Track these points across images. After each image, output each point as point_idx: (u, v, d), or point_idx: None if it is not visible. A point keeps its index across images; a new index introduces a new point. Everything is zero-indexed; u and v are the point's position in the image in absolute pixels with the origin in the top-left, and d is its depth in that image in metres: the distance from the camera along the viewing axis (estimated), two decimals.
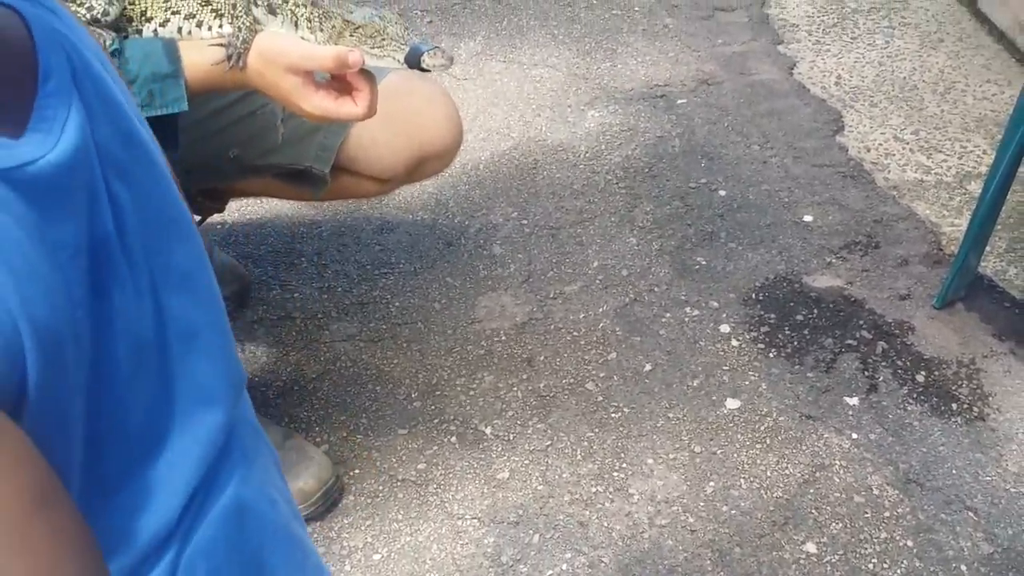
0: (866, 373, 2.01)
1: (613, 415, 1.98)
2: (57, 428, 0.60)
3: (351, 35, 1.38)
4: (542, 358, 2.11)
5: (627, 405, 1.99)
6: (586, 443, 1.93)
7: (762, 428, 1.92)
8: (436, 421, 2.00)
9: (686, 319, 2.16)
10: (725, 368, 2.04)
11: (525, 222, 2.44)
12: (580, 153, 2.63)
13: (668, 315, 2.17)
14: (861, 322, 2.12)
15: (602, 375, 2.06)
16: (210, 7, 1.43)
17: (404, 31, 1.33)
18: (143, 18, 1.43)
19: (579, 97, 2.82)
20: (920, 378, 2.01)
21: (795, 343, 2.08)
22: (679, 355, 2.08)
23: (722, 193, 2.47)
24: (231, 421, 0.79)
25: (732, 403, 1.97)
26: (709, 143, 2.63)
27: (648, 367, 2.06)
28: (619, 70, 2.90)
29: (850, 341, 2.08)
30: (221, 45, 1.39)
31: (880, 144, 2.61)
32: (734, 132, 2.66)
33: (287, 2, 1.41)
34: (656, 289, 2.23)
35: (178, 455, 0.73)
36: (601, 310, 2.20)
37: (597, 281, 2.27)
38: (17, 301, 0.54)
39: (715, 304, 2.18)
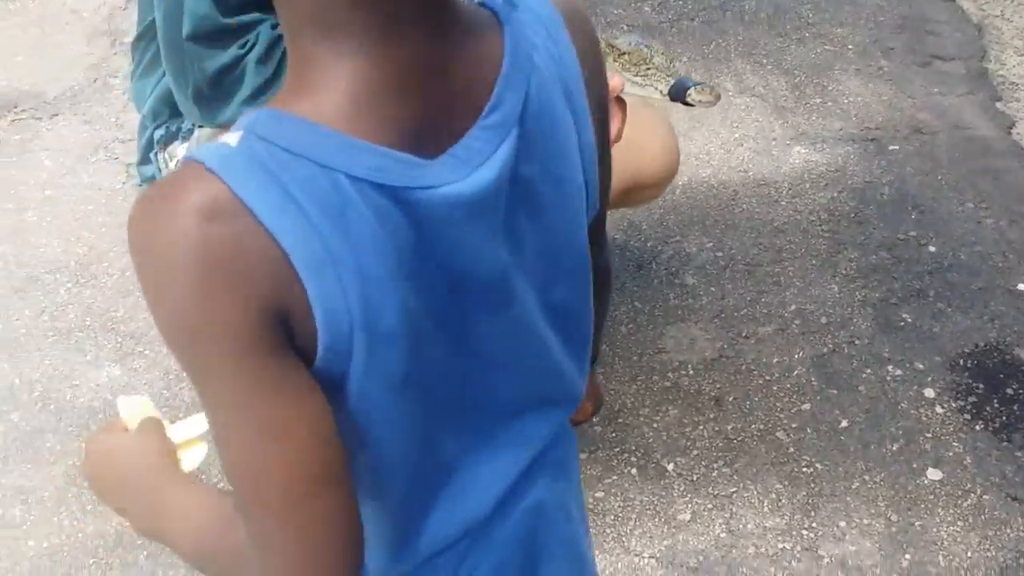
0: None
1: (804, 469, 1.89)
2: (382, 422, 0.67)
3: (615, 60, 1.35)
4: (731, 399, 2.04)
5: (820, 461, 1.91)
6: (774, 495, 1.85)
7: (965, 505, 1.81)
8: (617, 450, 1.95)
9: (888, 378, 2.05)
10: (927, 435, 1.93)
11: (720, 254, 2.38)
12: (783, 189, 2.54)
13: (868, 371, 2.07)
14: None
15: (794, 426, 1.98)
16: None
17: (670, 62, 1.29)
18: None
19: (785, 131, 2.73)
20: None
21: (1004, 418, 1.96)
22: (879, 415, 1.98)
23: (932, 249, 2.35)
24: (555, 432, 0.81)
25: (933, 474, 1.87)
26: (921, 195, 2.51)
27: (844, 423, 1.97)
28: (829, 108, 2.79)
29: None
30: None
31: None
32: (947, 187, 2.53)
33: None
34: (857, 342, 2.13)
35: (499, 456, 0.77)
36: (796, 356, 2.11)
37: (794, 325, 2.18)
38: (360, 306, 0.61)
39: (920, 366, 2.07)
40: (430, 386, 0.68)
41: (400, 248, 0.62)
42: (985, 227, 2.41)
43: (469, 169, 0.63)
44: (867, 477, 1.87)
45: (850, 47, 3.01)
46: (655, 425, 2.00)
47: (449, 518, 0.75)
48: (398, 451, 0.70)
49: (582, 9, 0.78)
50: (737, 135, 2.71)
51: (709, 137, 2.71)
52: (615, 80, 1.33)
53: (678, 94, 1.28)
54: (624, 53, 1.33)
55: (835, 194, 2.52)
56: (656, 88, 1.31)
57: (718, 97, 1.27)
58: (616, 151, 1.99)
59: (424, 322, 0.65)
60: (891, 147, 2.67)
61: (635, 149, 1.86)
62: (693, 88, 1.26)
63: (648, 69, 1.31)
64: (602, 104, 0.79)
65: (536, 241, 0.70)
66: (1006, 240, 2.37)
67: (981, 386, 2.02)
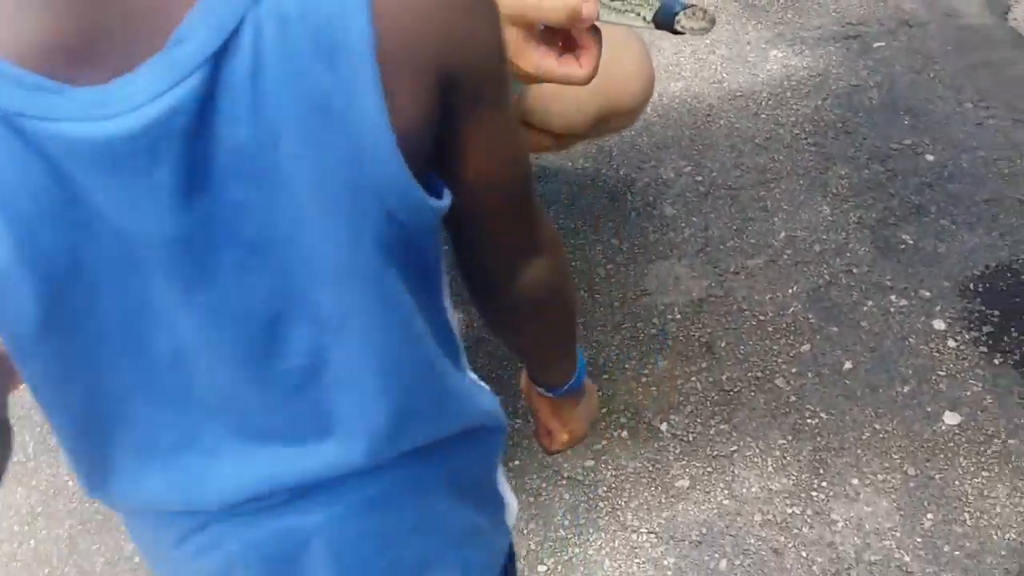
0: None
1: (809, 420, 1.72)
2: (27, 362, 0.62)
3: None
4: (723, 344, 1.85)
5: (824, 410, 1.73)
6: (778, 452, 1.69)
7: (989, 452, 1.65)
8: (604, 411, 1.77)
9: (892, 309, 1.87)
10: (941, 374, 1.76)
11: (700, 179, 2.16)
12: (762, 100, 2.32)
13: (870, 303, 1.89)
14: None
15: (794, 371, 1.80)
16: None
17: None
18: None
19: (759, 33, 2.49)
20: None
21: None
22: (885, 353, 1.80)
23: (930, 158, 2.15)
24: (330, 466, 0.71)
25: (951, 418, 1.70)
26: (913, 96, 2.30)
27: (848, 365, 1.80)
28: (804, 4, 2.56)
29: None
30: None
31: None
32: (942, 85, 2.32)
33: None
34: (855, 270, 1.95)
35: (236, 456, 0.70)
36: (791, 291, 1.93)
37: (785, 256, 1.99)
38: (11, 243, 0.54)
39: (926, 294, 1.89)
40: (91, 339, 0.61)
41: (35, 187, 0.54)
42: (987, 129, 2.21)
43: (119, 109, 0.52)
44: (878, 426, 1.70)
45: None
46: (643, 380, 1.81)
47: (143, 482, 0.70)
48: (55, 394, 0.65)
49: None
50: (708, 41, 2.47)
51: (679, 45, 2.47)
52: (589, 6, 1.08)
53: (665, 21, 1.05)
54: None
55: (819, 102, 2.31)
56: (638, 14, 1.07)
57: (712, 22, 1.03)
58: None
59: (83, 275, 0.58)
60: (876, 44, 2.45)
61: (605, 75, 1.63)
62: (682, 13, 1.03)
63: None
64: (470, 84, 0.61)
65: (269, 226, 0.58)
66: (1012, 143, 2.17)
67: (996, 313, 1.85)
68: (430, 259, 0.67)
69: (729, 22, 2.53)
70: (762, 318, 1.89)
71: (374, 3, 0.54)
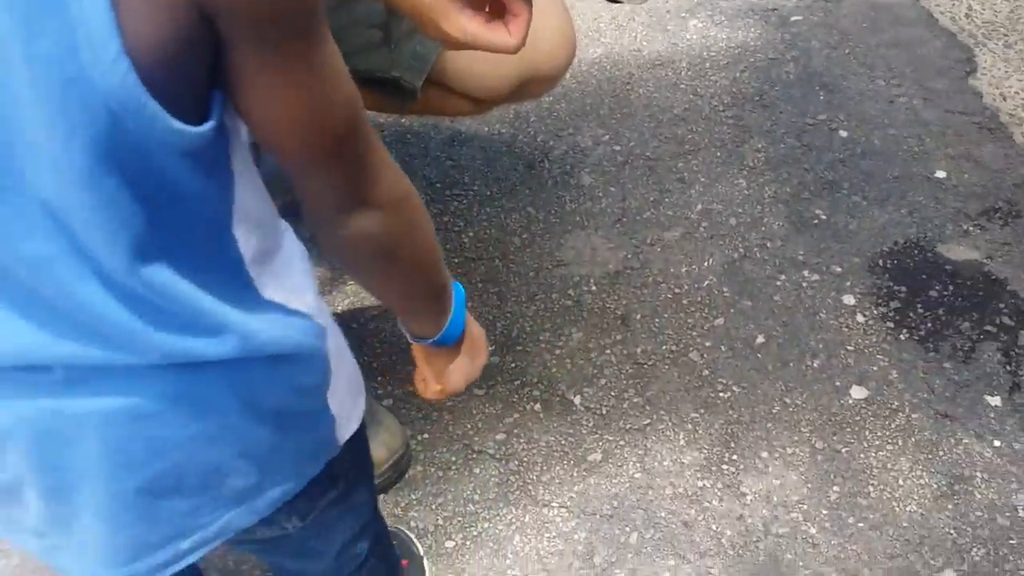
0: (1008, 368, 1.76)
1: (721, 394, 1.73)
2: None
3: None
4: (638, 317, 1.85)
5: (736, 383, 1.74)
6: (690, 425, 1.69)
7: (893, 425, 1.68)
8: (517, 383, 1.75)
9: (804, 284, 1.89)
10: (850, 348, 1.79)
11: (618, 148, 2.15)
12: (681, 70, 2.31)
13: (783, 277, 1.90)
14: (1002, 305, 1.86)
15: (708, 344, 1.80)
16: None
17: None
18: None
19: (678, 2, 2.48)
20: None
21: (929, 324, 1.82)
22: (796, 327, 1.82)
23: (843, 134, 2.17)
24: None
25: (858, 392, 1.73)
26: (828, 72, 2.31)
27: (760, 339, 1.81)
28: None
29: (989, 327, 1.82)
30: None
31: (1017, 93, 2.29)
32: (856, 61, 2.34)
33: None
34: (769, 244, 1.96)
35: None
36: (706, 264, 1.93)
37: (701, 228, 1.99)
38: None
39: (837, 269, 1.91)
40: None
41: None
42: (898, 106, 2.24)
43: None
44: (788, 400, 1.72)
45: None
46: (558, 352, 1.80)
47: None
48: None
49: None
50: (628, 6, 2.45)
51: (598, 10, 2.44)
52: None
53: None
54: None
55: (737, 74, 2.31)
56: None
57: None
58: None
59: None
60: (794, 18, 2.46)
61: (529, 38, 1.60)
62: None
63: None
64: (232, 23, 0.59)
65: None
66: (921, 121, 2.20)
67: (903, 289, 1.88)
68: (181, 178, 0.63)
69: None
70: (677, 291, 1.88)
71: None
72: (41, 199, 0.60)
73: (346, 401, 0.88)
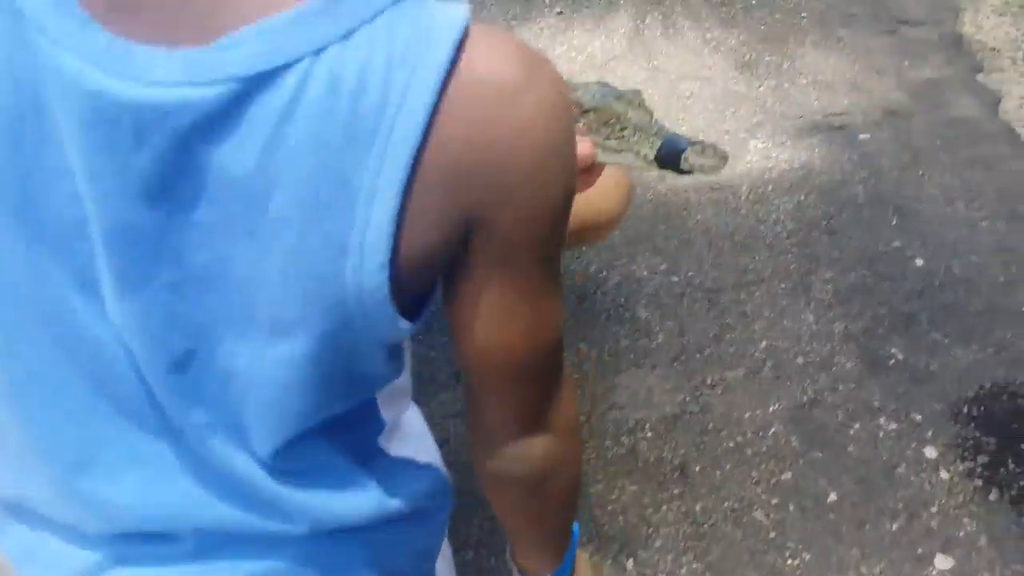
0: None
1: (790, 560, 1.57)
2: None
3: (578, 118, 0.97)
4: (697, 468, 1.70)
5: (807, 548, 1.58)
6: None
7: None
8: None
9: (880, 434, 1.73)
10: (933, 509, 1.62)
11: (676, 278, 2.03)
12: (741, 194, 2.19)
13: (857, 425, 1.75)
14: None
15: (774, 502, 1.65)
16: None
17: (651, 116, 0.90)
18: None
19: (738, 122, 2.37)
20: None
21: (1023, 482, 1.65)
22: (873, 483, 1.66)
23: (919, 263, 2.02)
24: None
25: (942, 562, 1.55)
26: (900, 194, 2.17)
27: (833, 496, 1.65)
28: (786, 91, 2.44)
29: None
30: None
31: None
32: (931, 183, 2.20)
33: None
34: (841, 387, 1.80)
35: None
36: (772, 409, 1.78)
37: (766, 368, 1.85)
38: None
39: (917, 417, 1.75)
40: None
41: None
42: (980, 231, 2.08)
43: (130, 72, 0.49)
44: (864, 569, 1.55)
45: (804, 15, 2.65)
46: (610, 507, 1.66)
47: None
48: None
49: (545, 111, 0.54)
50: (684, 128, 2.35)
51: None
52: (584, 146, 0.93)
53: (670, 159, 0.89)
54: (588, 110, 0.94)
55: (802, 197, 2.18)
56: (637, 153, 0.92)
57: (724, 159, 0.87)
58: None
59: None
60: (862, 136, 2.33)
61: (586, 192, 1.51)
62: (689, 149, 0.86)
63: (623, 130, 0.92)
64: (498, 240, 0.58)
65: (222, 263, 0.54)
66: (1006, 247, 2.05)
67: (992, 441, 1.70)
68: (373, 365, 0.62)
69: (706, 107, 2.41)
70: (740, 439, 1.74)
71: (440, 115, 0.50)
72: (230, 369, 0.59)
73: (443, 569, 0.85)
